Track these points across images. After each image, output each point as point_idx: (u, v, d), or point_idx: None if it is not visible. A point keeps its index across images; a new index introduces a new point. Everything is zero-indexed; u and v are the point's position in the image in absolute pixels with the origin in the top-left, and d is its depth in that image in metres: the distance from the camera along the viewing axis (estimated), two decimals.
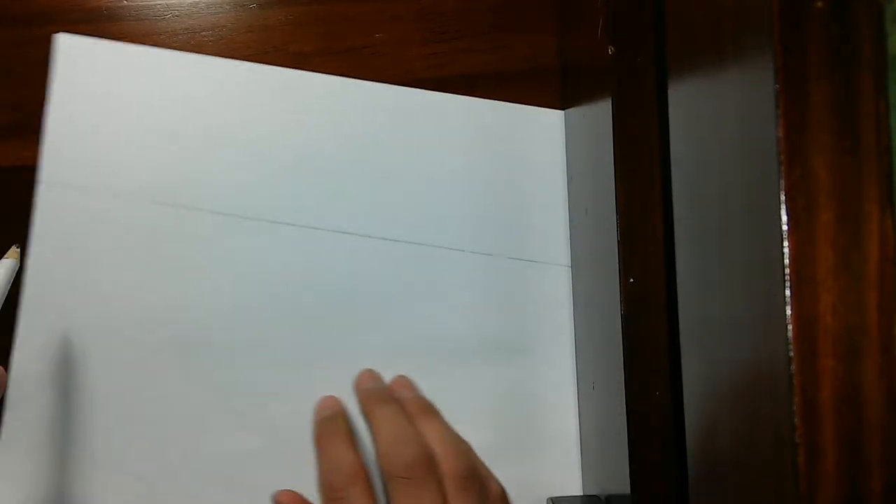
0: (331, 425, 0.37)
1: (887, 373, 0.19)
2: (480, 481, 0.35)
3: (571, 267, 0.40)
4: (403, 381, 0.38)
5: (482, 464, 0.37)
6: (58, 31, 0.40)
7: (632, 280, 0.30)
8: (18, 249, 0.36)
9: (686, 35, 0.27)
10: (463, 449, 0.36)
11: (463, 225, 0.39)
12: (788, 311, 0.19)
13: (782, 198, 0.20)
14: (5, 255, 0.35)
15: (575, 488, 0.38)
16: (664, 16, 0.30)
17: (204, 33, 0.40)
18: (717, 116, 0.24)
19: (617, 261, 0.31)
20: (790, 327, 0.19)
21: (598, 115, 0.33)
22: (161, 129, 0.39)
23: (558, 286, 0.39)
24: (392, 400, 0.37)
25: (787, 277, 0.20)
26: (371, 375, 0.38)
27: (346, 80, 0.40)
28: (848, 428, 0.19)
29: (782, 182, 0.20)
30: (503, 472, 0.37)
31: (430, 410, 0.37)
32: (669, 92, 0.29)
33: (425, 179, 0.40)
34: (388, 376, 0.39)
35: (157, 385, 0.38)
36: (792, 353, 0.19)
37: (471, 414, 0.38)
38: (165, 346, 0.38)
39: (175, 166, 0.39)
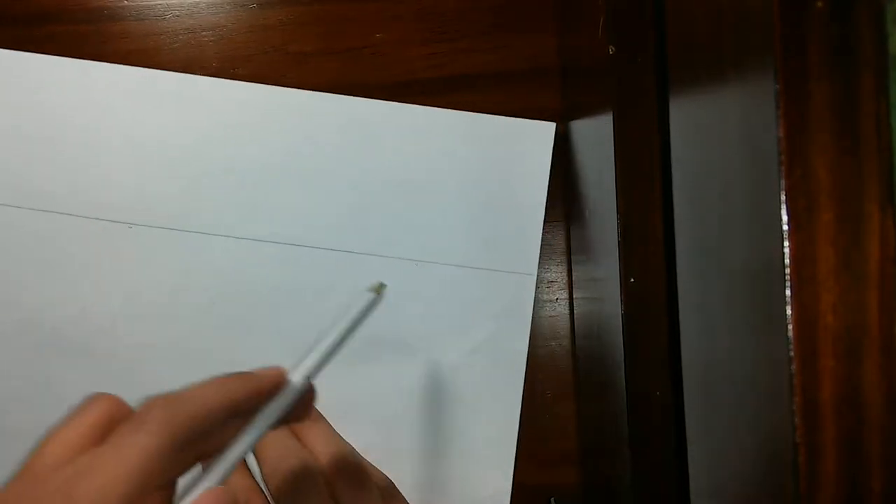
0: None
1: (887, 373, 0.19)
2: (365, 475, 0.35)
3: (573, 266, 0.40)
4: None
5: (364, 459, 0.37)
6: (58, 31, 0.40)
7: (632, 280, 0.30)
8: (386, 286, 0.32)
9: (686, 34, 0.27)
10: (343, 447, 0.36)
11: (447, 238, 0.39)
12: (788, 311, 0.19)
13: (783, 198, 0.20)
14: (369, 288, 0.32)
15: (505, 489, 0.39)
16: (664, 15, 0.30)
17: (204, 33, 0.40)
18: (718, 116, 0.24)
19: (617, 261, 0.31)
20: (790, 327, 0.19)
21: (599, 114, 0.33)
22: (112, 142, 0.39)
23: (524, 294, 0.39)
24: None
25: (787, 277, 0.20)
26: None
27: (324, 95, 0.40)
28: (848, 428, 0.19)
29: (783, 182, 0.20)
30: (440, 470, 0.38)
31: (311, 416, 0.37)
32: (670, 91, 0.29)
33: (412, 195, 0.39)
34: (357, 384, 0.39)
35: (31, 387, 0.38)
36: (792, 353, 0.19)
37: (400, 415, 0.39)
38: (44, 349, 0.38)
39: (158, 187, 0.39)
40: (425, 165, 0.39)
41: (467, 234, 0.39)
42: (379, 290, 0.32)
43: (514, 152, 0.40)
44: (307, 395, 0.30)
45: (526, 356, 0.39)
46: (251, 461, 0.37)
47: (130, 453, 0.24)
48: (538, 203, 0.40)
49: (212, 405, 0.26)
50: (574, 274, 0.40)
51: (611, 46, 0.31)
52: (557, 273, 0.40)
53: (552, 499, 0.37)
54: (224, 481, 0.26)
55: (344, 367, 0.39)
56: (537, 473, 0.39)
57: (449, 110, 0.40)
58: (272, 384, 0.28)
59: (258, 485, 0.35)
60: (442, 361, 0.39)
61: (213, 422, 0.26)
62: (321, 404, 0.38)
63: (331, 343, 0.29)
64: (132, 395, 0.37)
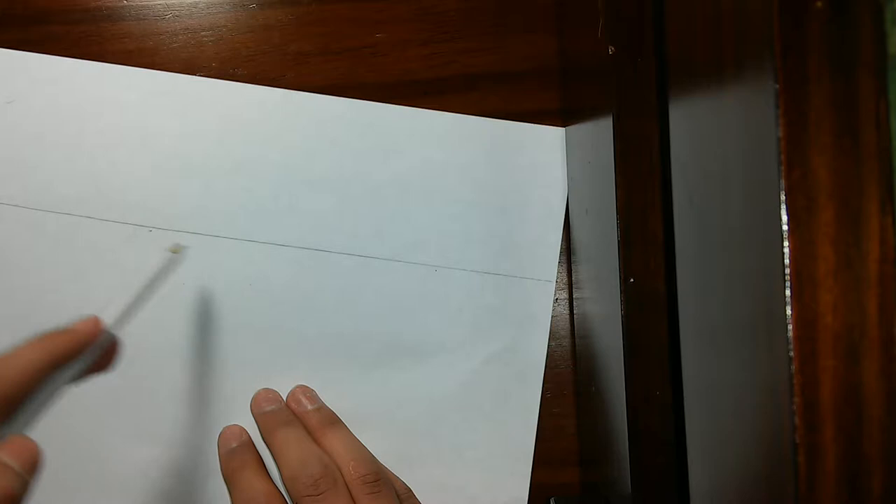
0: (239, 456, 0.37)
1: (887, 373, 0.19)
2: (386, 481, 0.35)
3: (572, 266, 0.40)
4: (304, 391, 0.38)
5: (384, 466, 0.38)
6: (57, 31, 0.40)
7: (632, 280, 0.30)
8: (184, 247, 0.35)
9: (686, 35, 0.27)
10: (364, 454, 0.36)
11: (464, 244, 0.39)
12: (788, 311, 0.19)
13: (782, 197, 0.20)
14: (169, 248, 0.35)
15: (522, 497, 0.39)
16: (664, 15, 0.30)
17: (204, 33, 0.40)
18: (718, 116, 0.24)
19: (617, 261, 0.31)
20: (790, 327, 0.19)
21: (599, 114, 0.33)
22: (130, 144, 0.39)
23: (543, 301, 0.39)
24: (290, 421, 0.37)
25: (787, 277, 0.20)
26: (266, 396, 0.38)
27: (336, 99, 0.40)
28: (848, 428, 0.19)
29: (782, 182, 0.20)
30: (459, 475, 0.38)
31: (330, 421, 0.37)
32: (670, 92, 0.29)
33: (423, 199, 0.39)
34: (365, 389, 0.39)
35: None
36: (792, 353, 0.19)
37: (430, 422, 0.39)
38: None
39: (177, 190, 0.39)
40: (440, 170, 0.39)
41: (485, 240, 0.39)
42: (177, 250, 0.35)
43: (528, 157, 0.40)
44: (111, 345, 0.32)
45: (544, 363, 0.39)
46: (270, 464, 0.37)
47: None
48: (557, 210, 0.40)
49: (33, 364, 0.28)
50: (574, 274, 0.40)
51: (610, 47, 0.31)
52: (557, 273, 0.40)
53: (552, 499, 0.37)
54: (29, 429, 0.27)
55: (361, 374, 0.39)
56: (537, 473, 0.39)
57: (462, 115, 0.40)
58: (89, 335, 0.30)
59: (278, 489, 0.35)
60: (459, 368, 0.39)
61: (37, 378, 0.28)
62: (339, 410, 0.38)
63: (132, 298, 0.32)
64: (153, 398, 0.38)
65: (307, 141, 0.39)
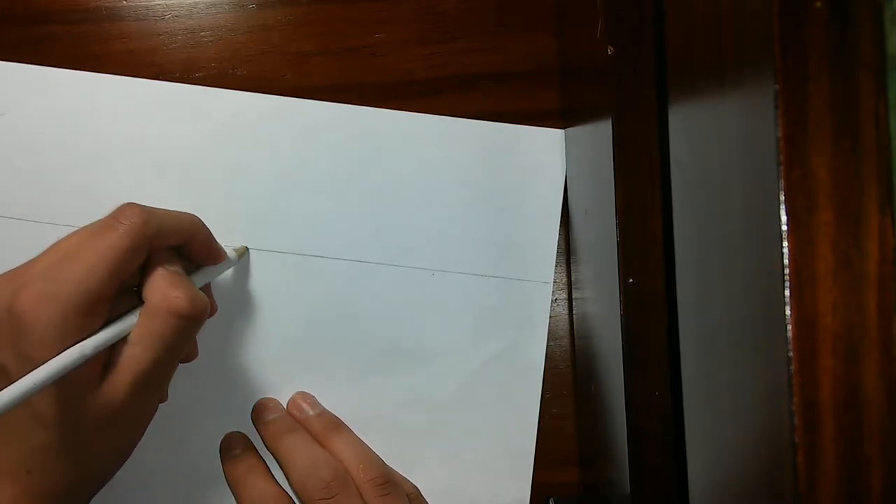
0: (244, 461, 0.37)
1: (887, 373, 0.19)
2: (396, 484, 0.36)
3: (571, 266, 0.40)
4: (303, 397, 0.38)
5: (391, 468, 0.38)
6: (58, 31, 0.40)
7: (631, 280, 0.30)
8: (247, 249, 0.38)
9: (686, 35, 0.27)
10: (372, 457, 0.37)
11: (461, 247, 0.39)
12: (788, 311, 0.19)
13: (782, 198, 0.20)
14: (236, 250, 0.37)
15: (524, 499, 0.39)
16: (664, 16, 0.30)
17: (203, 33, 0.40)
18: (717, 116, 0.24)
19: (616, 261, 0.31)
20: (790, 327, 0.19)
21: (598, 114, 0.33)
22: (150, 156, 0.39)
23: (540, 302, 0.39)
24: (294, 427, 0.37)
25: (787, 277, 0.20)
26: (267, 405, 0.38)
27: (331, 105, 0.39)
28: (848, 428, 0.19)
29: (782, 182, 0.20)
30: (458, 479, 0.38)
31: (334, 425, 0.37)
32: (669, 91, 0.29)
33: (426, 204, 0.39)
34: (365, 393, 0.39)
35: None
36: (792, 353, 0.19)
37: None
38: None
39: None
40: (437, 174, 0.39)
41: (482, 243, 0.39)
42: (242, 252, 0.38)
43: (525, 160, 0.40)
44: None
45: (543, 364, 0.39)
46: (276, 469, 0.37)
47: (106, 247, 0.29)
48: (553, 211, 0.40)
49: (176, 228, 0.32)
50: (573, 274, 0.40)
51: (610, 47, 0.31)
52: (556, 273, 0.40)
53: (551, 499, 0.37)
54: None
55: (360, 378, 0.39)
56: (536, 474, 0.39)
57: (459, 119, 0.40)
58: (217, 255, 0.35)
59: (286, 492, 0.35)
60: (459, 370, 0.39)
61: (171, 240, 0.32)
62: (339, 415, 0.38)
63: (201, 279, 0.34)
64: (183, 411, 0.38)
65: (303, 147, 0.39)
